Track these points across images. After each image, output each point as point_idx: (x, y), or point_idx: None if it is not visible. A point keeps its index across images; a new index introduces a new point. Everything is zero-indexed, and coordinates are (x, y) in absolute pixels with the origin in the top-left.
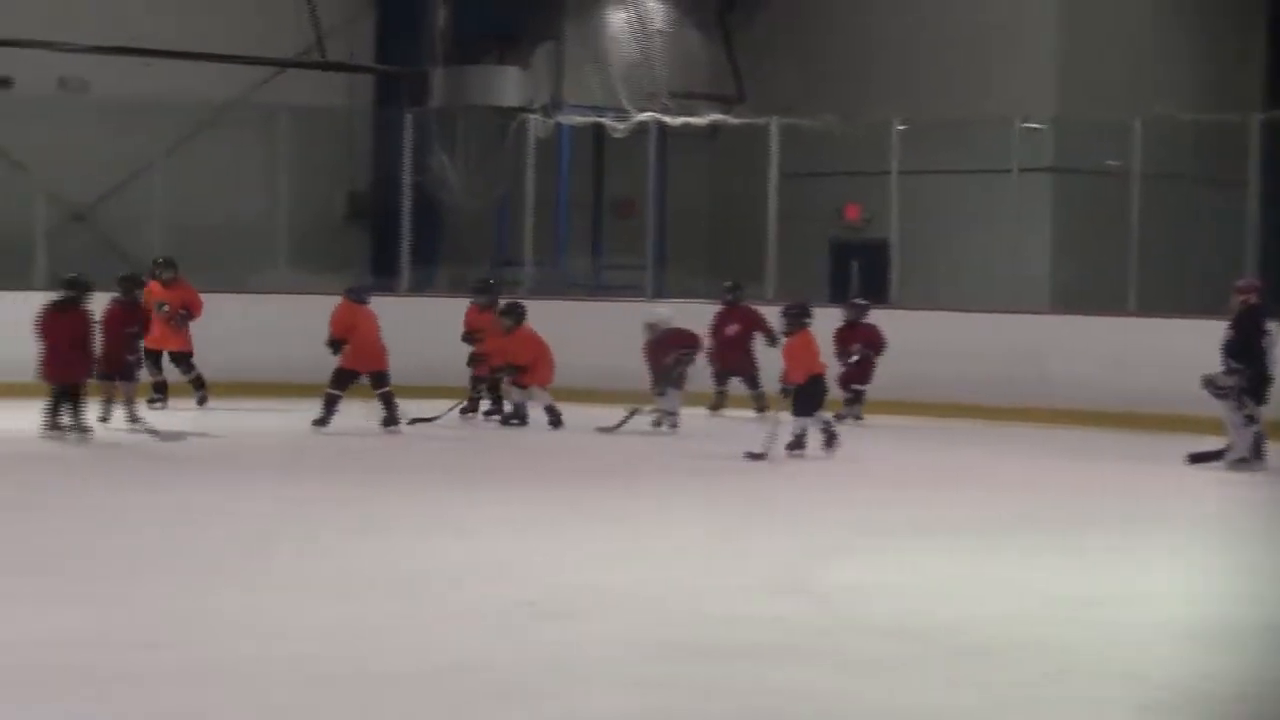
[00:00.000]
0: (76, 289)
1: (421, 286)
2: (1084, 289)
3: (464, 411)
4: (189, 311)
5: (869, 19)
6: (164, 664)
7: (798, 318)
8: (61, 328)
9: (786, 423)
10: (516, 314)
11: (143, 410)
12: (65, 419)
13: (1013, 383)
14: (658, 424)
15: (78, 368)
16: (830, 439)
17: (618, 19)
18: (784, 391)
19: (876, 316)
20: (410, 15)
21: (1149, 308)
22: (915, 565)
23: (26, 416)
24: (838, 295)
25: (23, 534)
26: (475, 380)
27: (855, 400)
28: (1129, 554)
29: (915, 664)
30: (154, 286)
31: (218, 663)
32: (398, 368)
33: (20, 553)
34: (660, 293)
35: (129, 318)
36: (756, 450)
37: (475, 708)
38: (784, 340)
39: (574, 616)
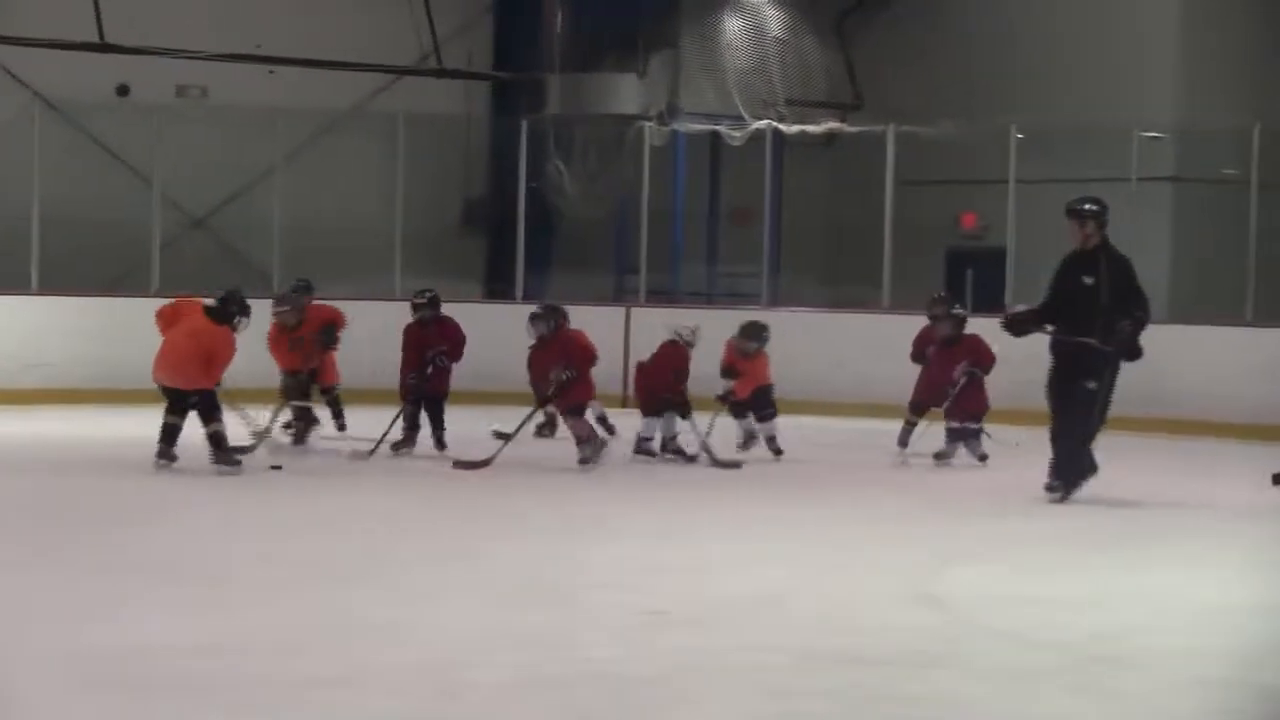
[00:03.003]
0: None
1: (536, 294)
2: (1203, 299)
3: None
4: None
5: (987, 27)
6: (305, 671)
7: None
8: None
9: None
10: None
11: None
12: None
13: (1130, 393)
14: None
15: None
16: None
17: (734, 26)
18: (723, 398)
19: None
20: (527, 23)
21: (1269, 319)
22: (1045, 576)
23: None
24: (954, 303)
25: (157, 542)
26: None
27: (974, 436)
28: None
29: (1046, 673)
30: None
31: (356, 669)
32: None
33: (157, 560)
34: (775, 300)
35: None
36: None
37: (599, 716)
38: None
39: (704, 625)
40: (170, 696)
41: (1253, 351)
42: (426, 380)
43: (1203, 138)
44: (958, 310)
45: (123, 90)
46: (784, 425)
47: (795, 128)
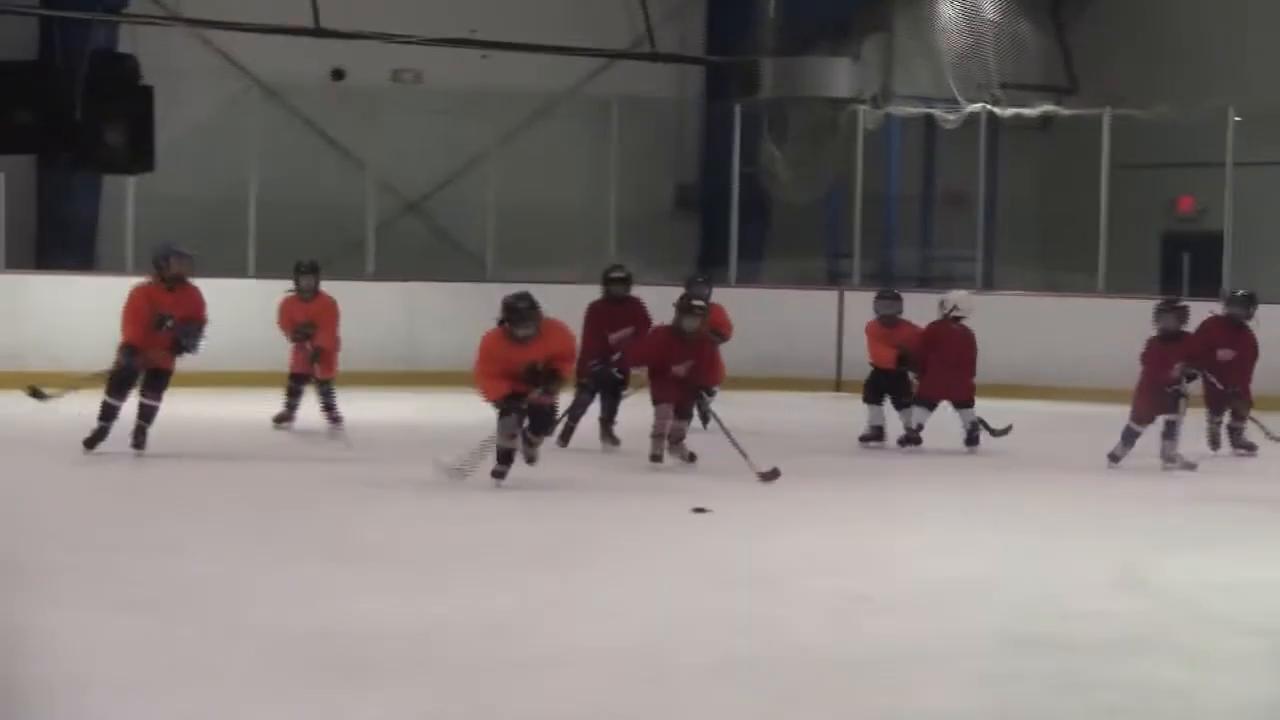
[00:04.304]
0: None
1: (750, 278)
2: None
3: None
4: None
5: (1205, 6)
6: (512, 653)
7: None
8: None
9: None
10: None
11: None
12: None
13: None
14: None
15: None
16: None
17: (948, 9)
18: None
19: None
20: (740, 6)
21: None
22: (1261, 563)
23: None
24: (1169, 288)
25: (359, 527)
26: None
27: (1169, 435)
28: None
29: (1257, 659)
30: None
31: (564, 652)
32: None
33: (361, 545)
34: (990, 285)
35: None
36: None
37: (807, 698)
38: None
39: (910, 609)
40: (382, 679)
41: None
42: (610, 366)
43: None
44: (1180, 303)
45: (338, 74)
46: (995, 409)
47: (1010, 111)
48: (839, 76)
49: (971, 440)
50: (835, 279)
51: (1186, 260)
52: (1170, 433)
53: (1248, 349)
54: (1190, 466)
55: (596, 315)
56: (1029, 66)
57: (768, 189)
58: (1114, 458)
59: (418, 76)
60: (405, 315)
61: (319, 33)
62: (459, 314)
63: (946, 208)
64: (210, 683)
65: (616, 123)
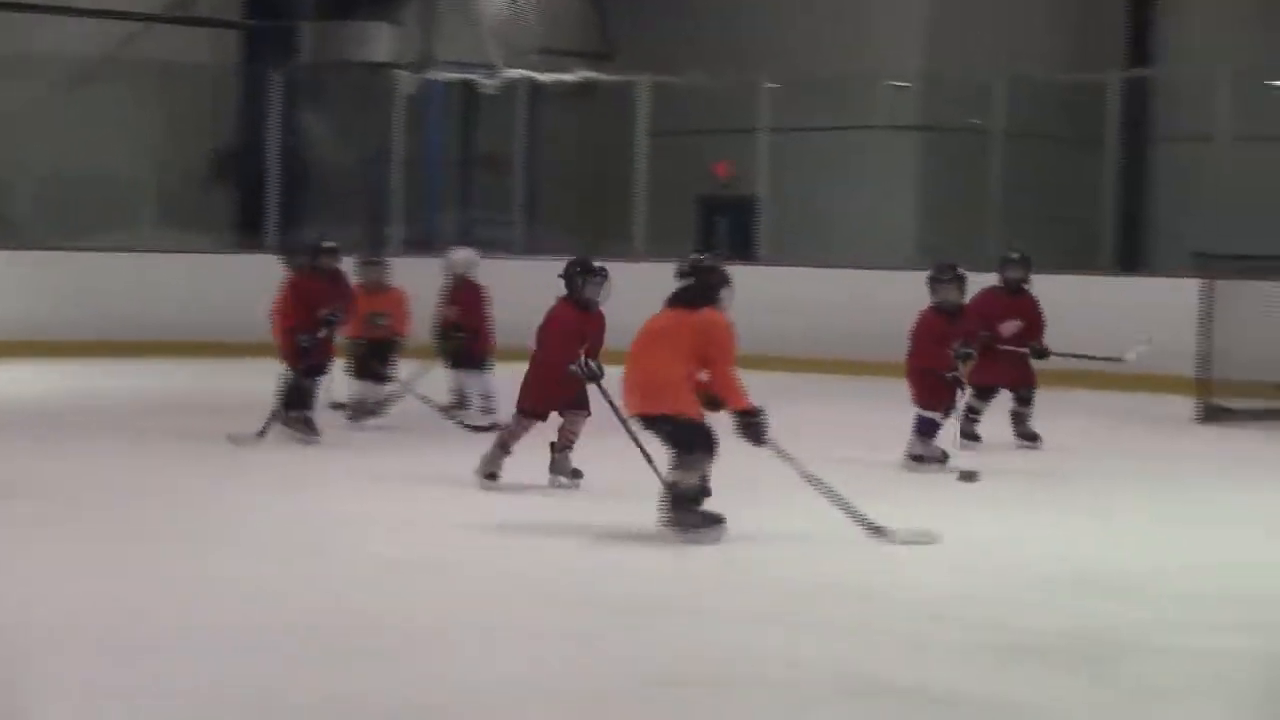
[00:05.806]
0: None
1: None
2: (948, 246)
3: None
4: None
5: None
6: (152, 632)
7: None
8: None
9: None
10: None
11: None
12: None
13: (879, 338)
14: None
15: None
16: None
17: None
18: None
19: (743, 273)
20: None
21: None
22: (807, 518)
23: None
24: (704, 252)
25: None
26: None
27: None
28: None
29: (809, 617)
30: None
31: (200, 628)
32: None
33: None
34: (529, 249)
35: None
36: None
37: (356, 662)
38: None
39: (454, 570)
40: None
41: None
42: (319, 344)
43: (948, 87)
44: (960, 271)
45: None
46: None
47: (549, 76)
48: (379, 41)
49: (488, 410)
50: (377, 246)
51: (723, 224)
52: (928, 429)
53: (1032, 315)
54: (942, 459)
55: (306, 289)
56: (568, 32)
57: (307, 156)
58: (916, 458)
59: None
60: None
61: None
62: None
63: (486, 172)
64: None
65: (151, 88)
